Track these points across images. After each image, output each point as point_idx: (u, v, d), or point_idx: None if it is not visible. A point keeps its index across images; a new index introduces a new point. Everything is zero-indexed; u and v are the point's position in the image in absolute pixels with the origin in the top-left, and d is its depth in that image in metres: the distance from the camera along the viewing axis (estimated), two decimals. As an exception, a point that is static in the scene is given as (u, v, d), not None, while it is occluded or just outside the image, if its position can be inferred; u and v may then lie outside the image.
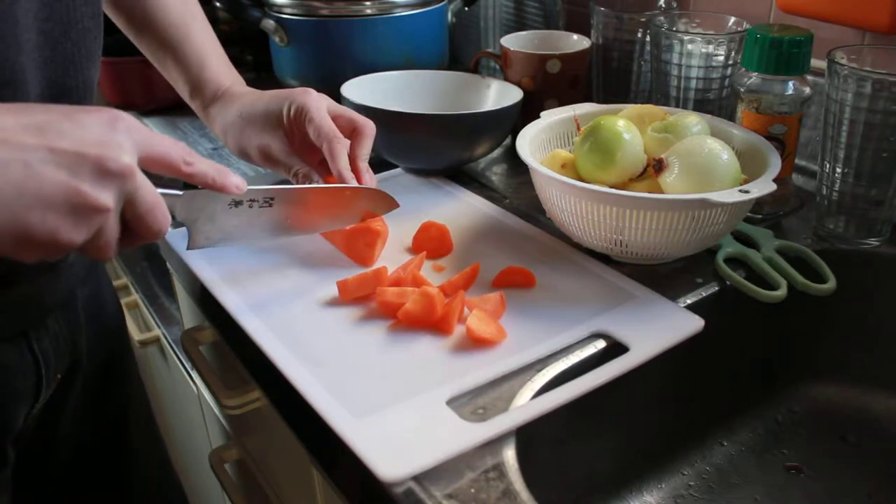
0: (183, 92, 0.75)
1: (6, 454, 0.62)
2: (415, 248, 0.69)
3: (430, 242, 0.69)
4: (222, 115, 0.71)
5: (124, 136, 0.43)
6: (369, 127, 0.68)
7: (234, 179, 0.53)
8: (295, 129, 0.68)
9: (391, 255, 0.68)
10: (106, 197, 0.42)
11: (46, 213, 0.40)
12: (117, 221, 0.44)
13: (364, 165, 0.66)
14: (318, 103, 0.66)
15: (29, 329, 0.61)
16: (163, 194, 0.48)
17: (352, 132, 0.67)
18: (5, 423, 0.61)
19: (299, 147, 0.69)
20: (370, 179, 0.66)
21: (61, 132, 0.41)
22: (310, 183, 0.65)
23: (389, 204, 0.67)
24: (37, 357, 0.61)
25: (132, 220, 0.45)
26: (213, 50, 0.75)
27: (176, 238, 0.71)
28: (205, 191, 0.53)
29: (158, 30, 0.72)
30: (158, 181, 0.48)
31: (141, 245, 0.50)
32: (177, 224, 0.55)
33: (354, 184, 0.64)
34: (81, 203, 0.41)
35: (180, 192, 0.53)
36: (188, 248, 0.58)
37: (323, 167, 0.68)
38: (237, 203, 0.57)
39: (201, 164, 0.50)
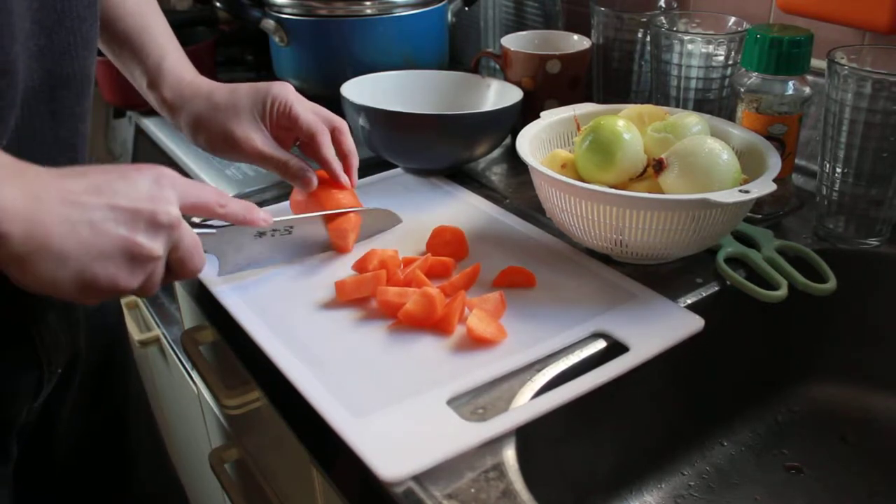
0: (140, 83, 0.74)
1: (9, 448, 0.62)
2: (429, 252, 0.68)
3: (446, 247, 0.68)
4: (190, 107, 0.70)
5: (170, 191, 0.49)
6: (344, 122, 0.71)
7: (262, 214, 0.60)
8: (272, 122, 0.69)
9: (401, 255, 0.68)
10: (158, 246, 0.48)
11: (108, 264, 0.46)
12: (164, 265, 0.50)
13: (355, 163, 0.71)
14: (296, 96, 0.69)
15: (31, 325, 0.61)
16: (199, 234, 0.54)
17: (332, 129, 0.70)
18: (9, 417, 0.61)
19: (274, 138, 0.70)
20: (356, 178, 0.71)
21: (117, 191, 0.46)
22: (305, 175, 0.68)
23: (394, 220, 0.73)
24: (38, 352, 0.61)
25: (174, 262, 0.51)
26: (172, 41, 0.74)
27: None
28: (234, 226, 0.61)
29: (114, 19, 0.71)
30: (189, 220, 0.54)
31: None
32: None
33: (344, 177, 0.69)
34: (138, 253, 0.47)
35: (214, 231, 0.61)
36: (218, 275, 0.64)
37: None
38: (261, 234, 0.64)
39: (232, 205, 0.57)
